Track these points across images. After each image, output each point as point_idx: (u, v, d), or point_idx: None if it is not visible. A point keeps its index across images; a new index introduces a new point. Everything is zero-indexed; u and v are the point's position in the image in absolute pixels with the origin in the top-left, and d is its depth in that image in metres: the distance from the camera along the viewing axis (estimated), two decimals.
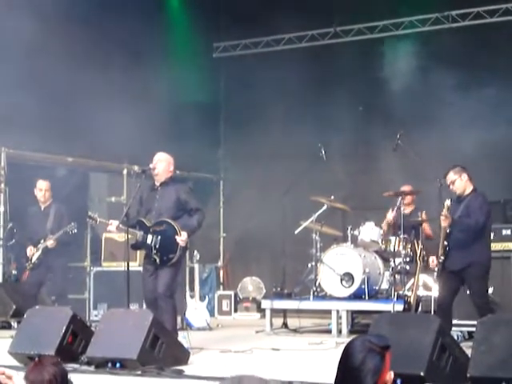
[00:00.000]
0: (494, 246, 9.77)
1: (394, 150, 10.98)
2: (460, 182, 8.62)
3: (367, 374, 3.31)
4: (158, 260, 8.86)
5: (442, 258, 8.51)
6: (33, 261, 10.92)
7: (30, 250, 11.02)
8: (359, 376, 3.32)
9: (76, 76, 11.81)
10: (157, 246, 8.87)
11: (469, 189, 8.65)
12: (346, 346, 3.45)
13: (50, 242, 10.87)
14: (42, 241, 10.95)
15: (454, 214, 8.55)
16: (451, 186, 8.67)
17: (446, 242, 8.52)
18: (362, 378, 3.31)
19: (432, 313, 9.51)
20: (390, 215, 11.48)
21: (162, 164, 9.05)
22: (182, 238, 8.80)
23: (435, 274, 8.66)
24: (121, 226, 8.87)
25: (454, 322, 9.00)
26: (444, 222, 8.47)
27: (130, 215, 8.98)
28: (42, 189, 11.16)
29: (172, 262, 8.83)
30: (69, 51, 11.88)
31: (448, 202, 8.54)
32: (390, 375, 3.43)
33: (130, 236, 8.93)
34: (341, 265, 11.00)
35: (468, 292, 8.63)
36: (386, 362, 3.40)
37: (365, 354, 3.35)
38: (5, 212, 12.04)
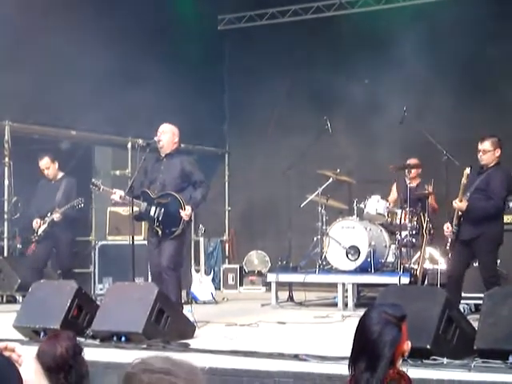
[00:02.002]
0: None
1: (400, 123, 10.91)
2: (491, 156, 8.40)
3: (385, 346, 3.28)
4: (160, 232, 8.84)
5: (456, 228, 8.43)
6: (39, 233, 10.81)
7: (36, 223, 10.81)
8: (377, 348, 3.28)
9: (80, 49, 11.72)
10: (160, 219, 8.85)
11: (494, 162, 8.48)
12: (361, 318, 3.42)
13: (57, 216, 10.67)
14: (49, 214, 10.82)
15: (472, 184, 8.43)
16: (481, 154, 8.42)
17: (460, 213, 8.41)
18: (379, 350, 3.28)
19: (438, 286, 9.50)
20: (394, 195, 11.48)
21: (167, 135, 9.00)
22: (186, 213, 8.78)
23: (448, 243, 8.55)
24: (127, 197, 8.84)
25: None
26: (460, 207, 8.33)
27: (134, 188, 8.95)
28: (43, 168, 10.98)
29: (175, 235, 8.80)
30: (73, 23, 11.79)
31: (468, 170, 8.31)
32: (408, 345, 3.40)
33: (134, 208, 8.90)
34: (347, 238, 10.97)
35: (477, 264, 8.59)
36: (403, 332, 3.37)
37: (382, 326, 3.31)
38: (9, 185, 12.00)
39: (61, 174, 11.04)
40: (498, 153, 8.43)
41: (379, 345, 3.30)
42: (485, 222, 8.30)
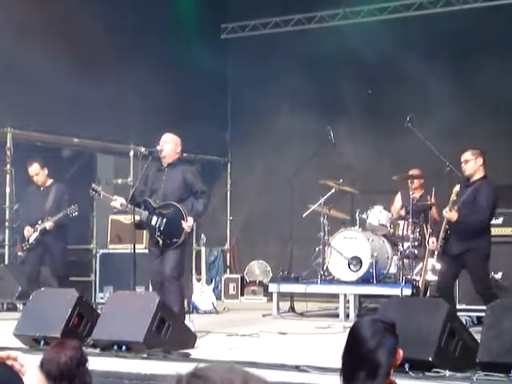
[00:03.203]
0: (504, 231, 9.71)
1: (403, 133, 10.90)
2: (473, 165, 8.52)
3: (383, 356, 3.23)
4: (161, 242, 8.80)
5: (443, 241, 8.46)
6: (30, 241, 10.74)
7: (27, 231, 10.75)
8: (377, 357, 3.23)
9: (82, 57, 11.73)
10: (161, 229, 8.81)
11: (479, 174, 8.55)
12: (354, 331, 3.36)
13: (49, 224, 10.59)
14: (40, 222, 10.72)
15: (460, 198, 8.47)
16: (463, 165, 8.59)
17: (447, 226, 8.46)
18: (379, 359, 3.23)
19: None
20: (398, 203, 11.44)
21: (169, 145, 8.97)
22: (188, 224, 8.74)
23: (435, 257, 8.61)
24: (129, 205, 8.80)
25: (463, 307, 8.94)
26: (450, 217, 8.38)
27: (136, 197, 8.93)
28: (32, 175, 10.91)
29: (176, 245, 8.77)
30: (74, 32, 11.80)
31: (457, 188, 8.45)
32: (400, 353, 3.38)
33: (135, 217, 8.87)
34: (349, 249, 10.93)
35: (470, 279, 8.59)
36: (397, 340, 3.34)
37: (381, 335, 3.27)
38: (11, 193, 11.98)
39: (50, 181, 10.97)
40: (479, 161, 8.53)
41: (379, 354, 3.25)
42: (472, 237, 8.35)
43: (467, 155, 8.56)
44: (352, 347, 3.33)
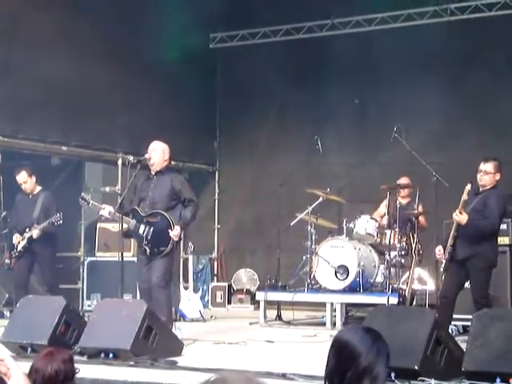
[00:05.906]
0: None
1: (390, 141, 10.95)
2: (491, 178, 8.36)
3: (382, 363, 3.20)
4: (148, 251, 8.82)
5: (451, 248, 8.36)
6: (18, 249, 10.75)
7: (15, 238, 10.78)
8: (375, 368, 3.19)
9: (72, 66, 11.75)
10: (148, 237, 8.83)
11: (492, 185, 8.44)
12: (345, 346, 3.22)
13: (36, 232, 10.64)
14: (28, 229, 10.74)
15: (469, 204, 8.37)
16: (482, 174, 8.37)
17: (456, 233, 8.35)
18: (378, 369, 3.19)
19: (427, 306, 9.51)
20: (383, 209, 11.46)
21: (157, 153, 9.00)
22: (174, 233, 8.76)
23: (442, 265, 8.46)
24: (117, 214, 8.82)
25: None
26: (460, 220, 8.24)
27: (124, 206, 8.95)
28: (20, 183, 10.95)
29: (163, 254, 8.79)
30: (65, 41, 11.81)
31: (468, 187, 8.24)
32: None
33: (124, 225, 8.88)
34: (336, 257, 10.96)
35: (469, 283, 8.54)
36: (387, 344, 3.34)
37: (377, 345, 3.24)
38: None
39: (38, 189, 11.02)
40: (497, 177, 8.40)
41: (378, 362, 3.22)
42: (480, 242, 8.26)
43: (489, 167, 8.36)
44: (349, 363, 3.16)
